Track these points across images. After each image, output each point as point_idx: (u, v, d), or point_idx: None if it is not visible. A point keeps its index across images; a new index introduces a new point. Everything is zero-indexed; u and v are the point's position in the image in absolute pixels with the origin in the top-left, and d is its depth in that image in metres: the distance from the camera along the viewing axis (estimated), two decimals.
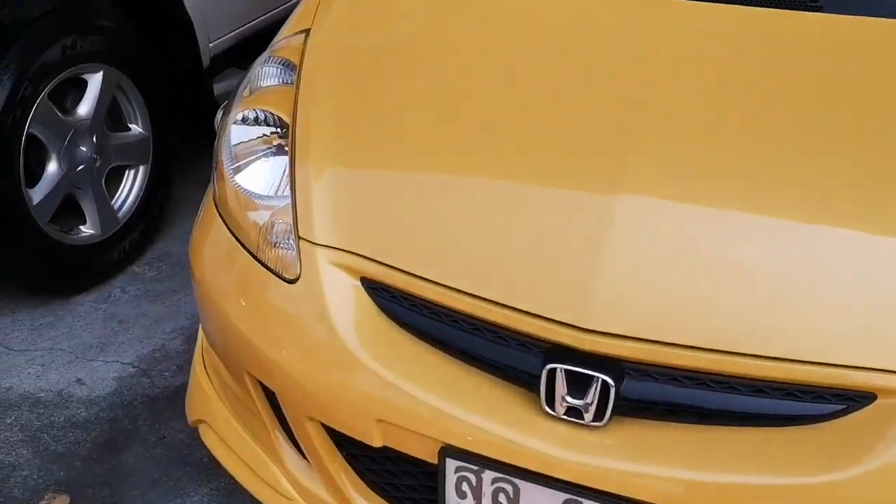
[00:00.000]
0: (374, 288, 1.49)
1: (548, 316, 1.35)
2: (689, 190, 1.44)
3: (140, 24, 2.77)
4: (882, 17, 1.65)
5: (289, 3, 3.49)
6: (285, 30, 1.93)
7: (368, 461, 1.56)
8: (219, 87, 3.11)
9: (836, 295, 1.32)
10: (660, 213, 1.41)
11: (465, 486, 1.42)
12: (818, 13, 1.67)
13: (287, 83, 1.77)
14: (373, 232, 1.52)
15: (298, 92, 1.72)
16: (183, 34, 2.89)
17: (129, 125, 2.78)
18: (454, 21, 1.82)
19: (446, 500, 1.45)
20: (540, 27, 1.78)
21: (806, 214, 1.40)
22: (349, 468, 1.58)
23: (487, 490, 1.40)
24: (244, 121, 1.74)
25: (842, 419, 1.27)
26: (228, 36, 3.16)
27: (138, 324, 2.57)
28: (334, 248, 1.52)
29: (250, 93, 1.81)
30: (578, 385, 1.32)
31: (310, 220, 1.55)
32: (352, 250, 1.51)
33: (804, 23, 1.67)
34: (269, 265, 1.58)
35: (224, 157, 1.74)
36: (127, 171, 2.81)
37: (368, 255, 1.50)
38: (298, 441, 1.61)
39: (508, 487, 1.38)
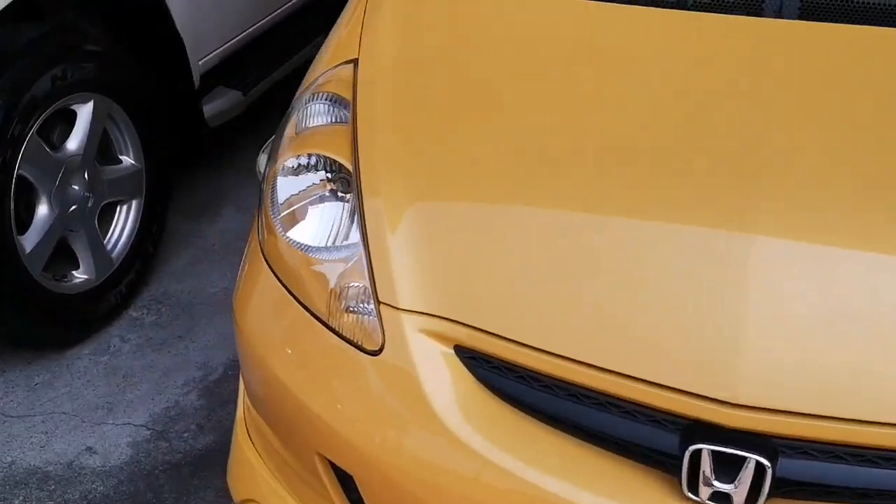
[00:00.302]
0: (472, 357, 1.33)
1: (687, 389, 1.20)
2: (829, 236, 1.31)
3: (128, 46, 2.55)
4: None
5: (273, 13, 3.30)
6: (324, 61, 1.74)
7: None
8: (208, 109, 2.90)
9: None
10: (804, 265, 1.27)
11: None
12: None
13: (340, 121, 1.59)
14: (466, 293, 1.35)
15: (356, 131, 1.54)
16: (173, 54, 2.68)
17: (120, 157, 2.56)
18: (525, 48, 1.66)
19: None
20: (614, 52, 1.63)
21: None
22: None
23: None
24: (294, 169, 1.56)
25: None
26: (216, 52, 2.95)
27: (145, 377, 2.36)
28: (423, 313, 1.36)
29: (296, 133, 1.63)
30: (725, 466, 1.18)
31: (390, 282, 1.38)
32: (444, 315, 1.34)
33: None
34: (343, 333, 1.41)
35: (272, 210, 1.56)
36: (119, 207, 2.59)
37: (464, 321, 1.33)
38: None
39: None
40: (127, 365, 2.40)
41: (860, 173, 1.38)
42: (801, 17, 1.61)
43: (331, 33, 1.90)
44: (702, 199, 1.37)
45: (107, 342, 2.49)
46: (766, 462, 1.16)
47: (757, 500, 1.17)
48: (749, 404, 1.17)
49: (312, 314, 1.45)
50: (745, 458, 1.16)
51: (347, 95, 1.61)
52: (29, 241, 2.26)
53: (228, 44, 3.02)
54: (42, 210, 2.29)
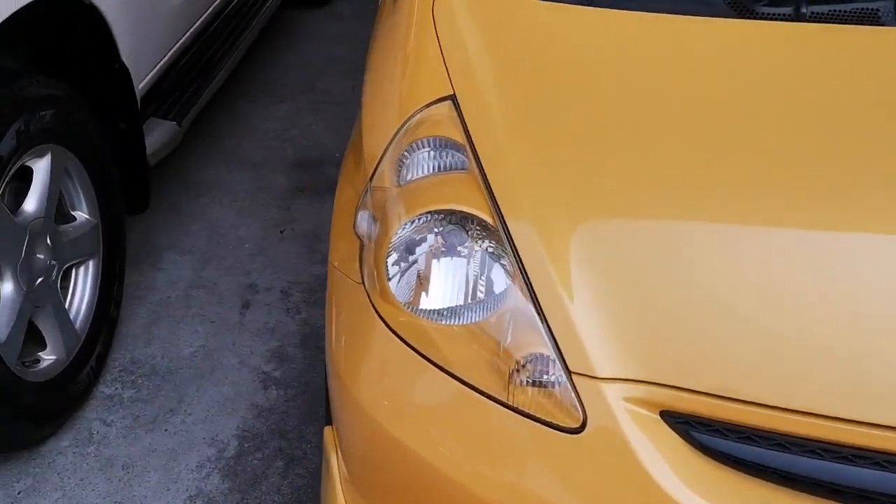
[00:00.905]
0: (685, 422, 1.24)
1: None
2: None
3: (73, 87, 2.23)
4: None
5: (196, 24, 3.02)
6: (402, 99, 1.57)
7: None
8: (147, 146, 2.61)
9: None
10: None
11: None
12: None
13: (453, 168, 1.44)
14: (668, 350, 1.25)
15: (486, 175, 1.39)
16: (118, 89, 2.37)
17: (73, 213, 2.24)
18: (632, 66, 1.56)
19: None
20: (725, 63, 1.58)
21: None
22: None
23: None
24: (415, 230, 1.39)
25: None
26: (148, 78, 2.66)
27: (150, 465, 2.08)
28: (625, 380, 1.25)
29: (399, 185, 1.46)
30: None
31: (579, 347, 1.24)
32: (649, 380, 1.24)
33: None
34: (528, 412, 1.27)
35: (392, 278, 1.39)
36: (75, 271, 2.27)
37: (671, 383, 1.24)
38: None
39: None
40: (122, 453, 2.11)
41: None
42: None
43: (379, 62, 1.73)
44: (873, 211, 1.35)
45: (87, 429, 2.17)
46: None
47: None
48: None
49: (475, 389, 1.31)
50: None
51: (456, 137, 1.46)
52: (0, 328, 1.93)
53: (158, 66, 2.73)
54: (7, 288, 1.96)
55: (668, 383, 1.23)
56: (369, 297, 1.44)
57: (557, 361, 1.26)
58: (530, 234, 1.33)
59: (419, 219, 1.39)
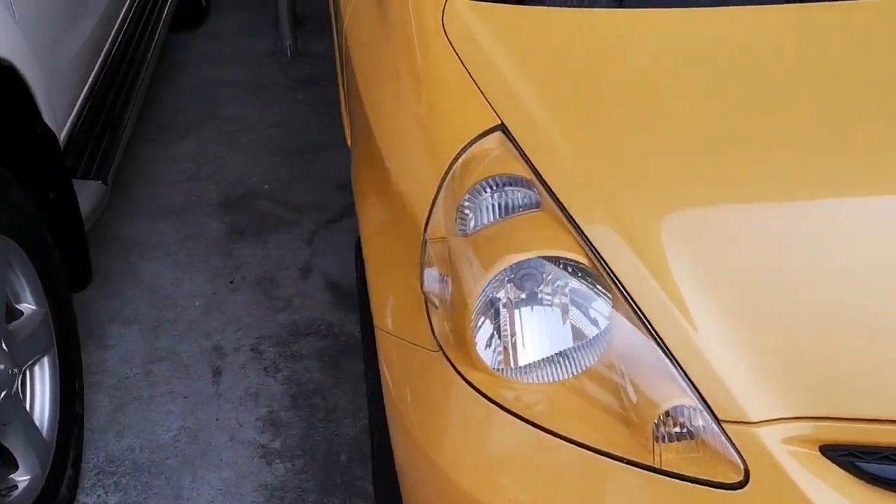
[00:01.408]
0: (847, 454, 1.14)
1: None
2: None
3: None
4: None
5: (98, 68, 2.73)
6: (447, 139, 1.41)
7: None
8: None
9: None
10: None
11: None
12: None
13: (529, 207, 1.29)
14: (817, 377, 1.15)
15: (570, 211, 1.25)
16: (43, 155, 2.08)
17: (19, 306, 1.95)
18: (670, 68, 1.47)
19: None
20: (747, 52, 1.50)
21: None
22: None
23: None
24: (496, 287, 1.24)
25: None
26: (63, 135, 2.37)
27: None
28: (779, 419, 1.14)
29: (464, 234, 1.30)
30: None
31: (724, 390, 1.14)
32: (805, 415, 1.14)
33: None
34: (681, 473, 1.15)
35: (483, 350, 1.24)
36: (31, 372, 1.98)
37: (829, 414, 1.14)
38: None
39: None
40: None
41: None
42: None
43: (383, 86, 1.55)
44: None
45: None
46: None
47: None
48: None
49: (610, 456, 1.18)
50: None
51: (521, 173, 1.31)
52: None
53: (70, 121, 2.44)
54: None
55: (825, 415, 1.14)
56: (453, 366, 1.28)
57: (702, 409, 1.14)
58: (633, 264, 1.22)
59: (500, 274, 1.25)
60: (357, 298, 2.01)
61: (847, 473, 1.14)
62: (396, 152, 1.52)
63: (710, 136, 1.37)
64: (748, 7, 1.59)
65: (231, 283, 2.74)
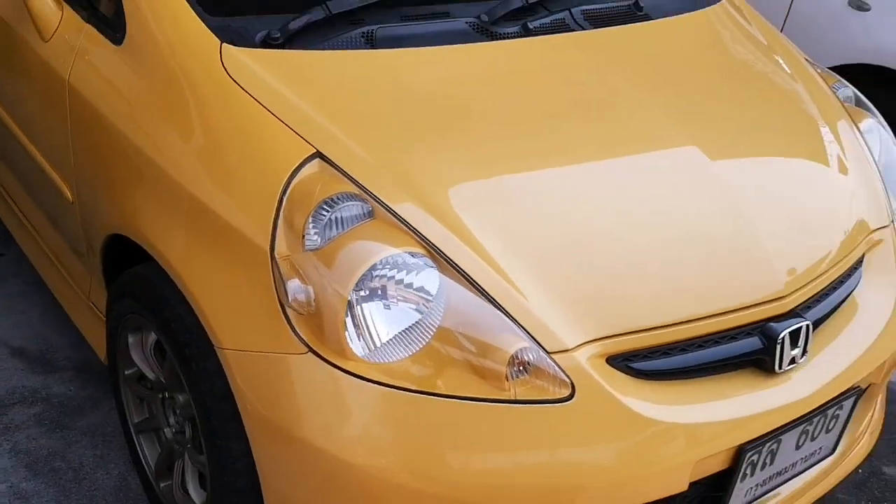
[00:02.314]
0: (623, 359, 1.61)
1: (757, 301, 1.73)
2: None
3: None
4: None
5: None
6: (269, 170, 1.60)
7: None
8: None
9: None
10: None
11: (748, 469, 1.73)
12: (643, 23, 2.21)
13: (363, 217, 1.55)
14: (597, 309, 1.60)
15: (400, 214, 1.56)
16: None
17: None
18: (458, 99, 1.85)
19: (732, 492, 1.73)
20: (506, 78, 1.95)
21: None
22: None
23: (762, 459, 1.74)
24: (358, 288, 1.50)
25: None
26: None
27: None
28: (585, 343, 1.56)
29: (311, 248, 1.52)
30: (791, 340, 1.74)
31: (548, 332, 1.53)
32: (598, 336, 1.58)
33: (635, 32, 2.19)
34: (527, 399, 1.50)
35: (356, 343, 1.50)
36: None
37: (608, 334, 1.59)
38: None
39: (775, 446, 1.76)
40: None
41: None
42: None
43: (166, 136, 1.68)
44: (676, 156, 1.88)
45: None
46: (809, 321, 1.77)
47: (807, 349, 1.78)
48: (793, 289, 1.77)
49: (474, 399, 1.50)
50: (801, 327, 1.75)
51: (350, 189, 1.57)
52: None
53: None
54: None
55: (610, 333, 1.60)
56: (327, 361, 1.49)
57: (535, 347, 1.52)
58: (457, 243, 1.56)
59: (364, 278, 1.50)
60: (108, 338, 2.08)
61: (624, 374, 1.61)
62: (212, 193, 1.65)
63: (496, 150, 1.76)
64: (476, 45, 1.97)
65: None
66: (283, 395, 1.54)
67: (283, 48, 1.82)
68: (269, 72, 1.74)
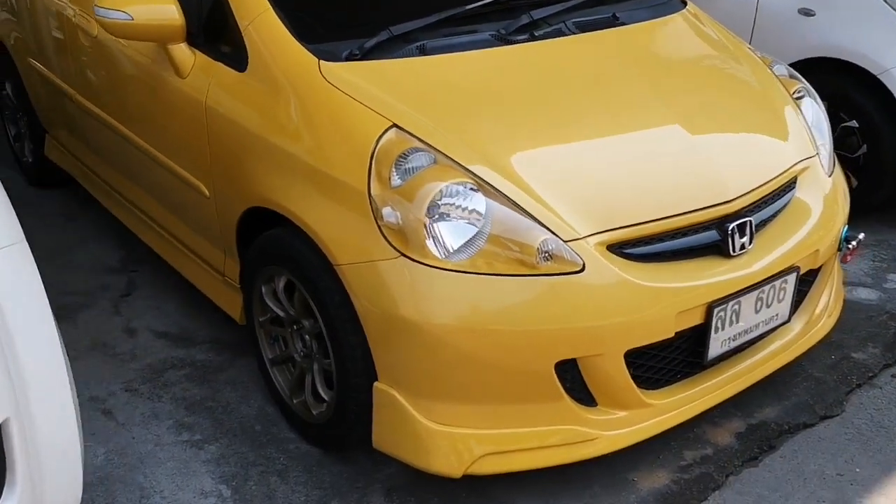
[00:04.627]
0: (618, 246, 2.35)
1: (710, 203, 2.47)
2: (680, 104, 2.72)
3: None
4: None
5: None
6: (360, 139, 2.37)
7: (645, 369, 2.44)
8: None
9: None
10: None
11: (719, 323, 2.44)
12: (621, 27, 3.02)
13: (428, 164, 2.32)
14: (600, 210, 2.36)
15: (455, 158, 2.32)
16: None
17: None
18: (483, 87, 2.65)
19: (710, 342, 2.42)
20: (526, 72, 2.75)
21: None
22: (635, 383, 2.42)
23: (727, 315, 2.46)
24: (429, 210, 2.26)
25: None
26: None
27: None
28: (592, 234, 2.32)
29: (395, 187, 2.29)
30: (739, 232, 2.48)
31: (564, 226, 2.30)
32: (601, 230, 2.34)
33: (613, 36, 3.00)
34: (553, 272, 2.24)
35: (433, 246, 2.24)
36: None
37: (608, 227, 2.35)
38: (595, 386, 2.36)
39: (737, 306, 2.48)
40: None
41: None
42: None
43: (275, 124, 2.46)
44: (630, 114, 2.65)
45: None
46: (753, 220, 2.48)
47: (752, 239, 2.49)
48: (740, 193, 2.52)
49: (521, 275, 2.25)
50: (746, 222, 2.47)
51: (419, 146, 2.35)
52: None
53: None
54: None
55: (610, 227, 2.36)
56: (415, 260, 2.24)
57: (556, 237, 2.28)
58: (496, 175, 2.34)
59: (431, 201, 2.26)
60: (244, 296, 2.87)
61: (620, 258, 2.36)
62: (324, 159, 2.43)
63: (518, 116, 2.55)
64: (498, 48, 2.77)
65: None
66: (385, 288, 2.30)
67: (363, 60, 2.62)
68: (354, 76, 2.55)
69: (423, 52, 2.66)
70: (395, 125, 2.40)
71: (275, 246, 2.64)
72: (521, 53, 2.79)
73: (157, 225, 3.49)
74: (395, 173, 2.32)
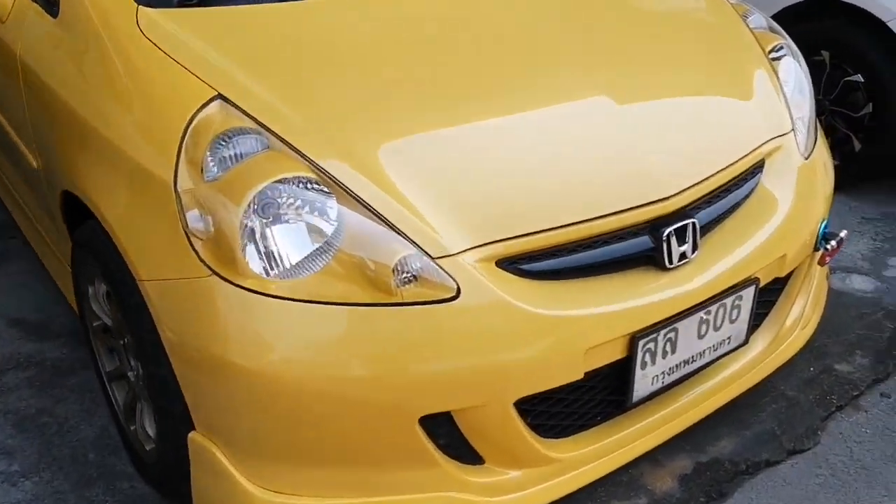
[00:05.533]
0: (512, 262, 1.77)
1: (642, 203, 1.88)
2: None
3: None
4: None
5: None
6: (173, 112, 1.78)
7: (546, 416, 1.88)
8: None
9: None
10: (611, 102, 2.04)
11: (647, 357, 1.89)
12: None
13: (260, 150, 1.73)
14: (485, 217, 1.77)
15: (293, 144, 1.73)
16: None
17: None
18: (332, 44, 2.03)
19: (634, 381, 1.88)
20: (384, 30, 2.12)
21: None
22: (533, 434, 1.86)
23: (659, 346, 1.90)
24: (247, 214, 1.68)
25: None
26: None
27: None
28: (470, 248, 1.73)
29: (211, 180, 1.70)
30: (679, 237, 1.90)
31: (432, 238, 1.71)
32: (483, 243, 1.75)
33: None
34: (418, 300, 1.68)
35: (255, 264, 1.67)
36: None
37: (494, 239, 1.76)
38: (477, 443, 1.81)
39: (672, 334, 1.92)
40: None
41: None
42: None
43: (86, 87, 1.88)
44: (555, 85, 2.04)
45: None
46: (697, 220, 1.91)
47: (696, 245, 1.93)
48: (678, 190, 1.92)
49: (366, 304, 1.67)
50: (687, 224, 1.90)
51: (247, 125, 1.76)
52: None
53: None
54: None
55: (494, 239, 1.76)
56: (227, 280, 1.68)
57: (421, 254, 1.70)
58: (349, 170, 1.74)
59: (257, 201, 1.68)
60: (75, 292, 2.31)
61: (514, 275, 1.78)
62: (130, 138, 1.85)
63: (391, 87, 1.92)
64: None
65: None
66: (192, 316, 1.74)
67: (197, 6, 2.03)
68: (181, 28, 1.95)
69: None
70: (219, 96, 1.81)
71: (89, 239, 2.08)
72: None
73: (16, 192, 2.92)
74: (210, 160, 1.73)
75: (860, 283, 3.06)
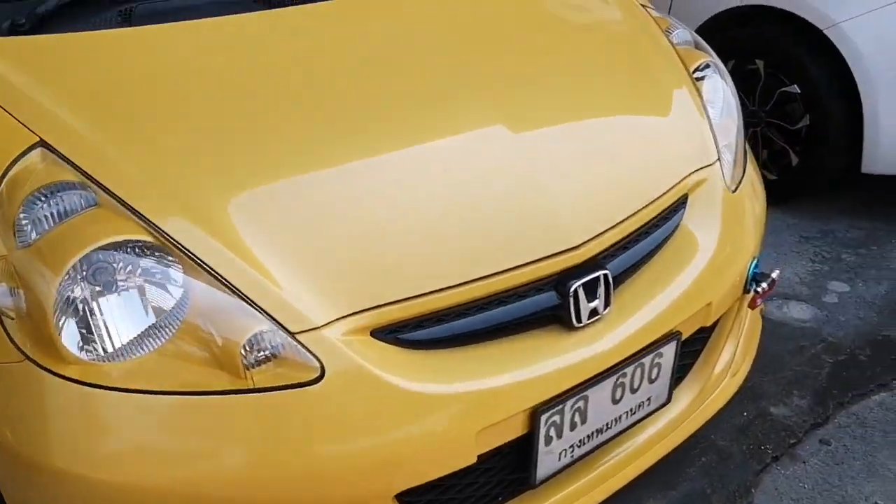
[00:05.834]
0: (390, 331, 1.51)
1: (542, 256, 1.63)
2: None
3: None
4: None
5: None
6: None
7: None
8: None
9: None
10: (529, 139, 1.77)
11: (551, 432, 1.64)
12: None
13: (86, 207, 1.45)
14: (354, 283, 1.50)
15: (126, 200, 1.45)
16: None
17: None
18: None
19: (537, 459, 1.64)
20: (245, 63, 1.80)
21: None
22: None
23: (567, 418, 1.66)
24: (69, 285, 1.39)
25: None
26: None
27: None
28: (336, 319, 1.46)
29: (25, 246, 1.41)
30: (588, 292, 1.65)
31: (291, 311, 1.44)
32: (352, 311, 1.48)
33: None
34: (269, 386, 1.41)
35: (73, 345, 1.39)
36: None
37: (366, 307, 1.49)
38: None
39: (581, 403, 1.67)
40: None
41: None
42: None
43: None
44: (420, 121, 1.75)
45: None
46: (609, 271, 1.67)
47: (608, 300, 1.68)
48: (586, 239, 1.67)
49: (210, 393, 1.40)
50: (598, 277, 1.66)
51: (70, 178, 1.46)
52: None
53: None
54: None
55: (366, 307, 1.50)
56: (43, 367, 1.40)
57: (277, 329, 1.43)
58: (194, 231, 1.46)
59: (72, 270, 1.40)
60: None
61: (394, 346, 1.51)
62: None
63: (249, 128, 1.63)
64: (240, 15, 1.87)
65: None
66: (5, 411, 1.45)
67: (33, 34, 1.72)
68: (6, 62, 1.65)
69: (129, 20, 1.77)
70: (41, 142, 1.51)
71: None
72: (275, 22, 1.89)
73: None
74: (23, 219, 1.44)
75: (798, 312, 2.86)
